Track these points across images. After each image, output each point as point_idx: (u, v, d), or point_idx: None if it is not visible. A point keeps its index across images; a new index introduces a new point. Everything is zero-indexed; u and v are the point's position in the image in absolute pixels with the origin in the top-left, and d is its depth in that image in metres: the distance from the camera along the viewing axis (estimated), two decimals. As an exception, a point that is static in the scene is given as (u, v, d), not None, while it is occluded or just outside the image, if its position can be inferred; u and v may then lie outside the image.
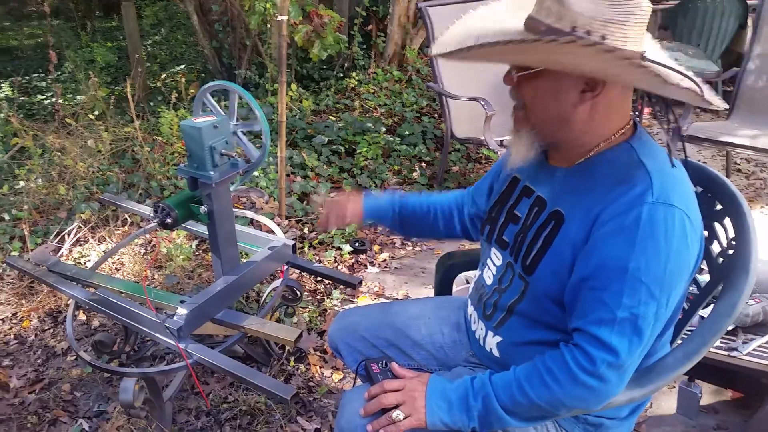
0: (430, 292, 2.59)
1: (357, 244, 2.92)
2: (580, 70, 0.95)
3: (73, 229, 2.71)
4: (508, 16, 1.01)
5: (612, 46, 0.87)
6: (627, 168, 1.02)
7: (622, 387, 1.02)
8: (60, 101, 4.33)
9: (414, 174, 3.73)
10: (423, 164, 3.88)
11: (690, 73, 0.94)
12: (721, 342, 1.86)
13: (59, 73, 6.55)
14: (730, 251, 1.20)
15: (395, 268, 2.85)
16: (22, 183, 3.15)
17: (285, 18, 2.68)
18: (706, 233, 1.28)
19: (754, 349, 1.82)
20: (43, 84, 6.88)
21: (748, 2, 4.65)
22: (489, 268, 1.24)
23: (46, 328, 2.32)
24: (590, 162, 1.08)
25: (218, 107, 1.74)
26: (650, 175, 0.99)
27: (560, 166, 1.13)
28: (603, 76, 0.97)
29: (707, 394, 1.98)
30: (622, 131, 1.07)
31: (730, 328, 1.88)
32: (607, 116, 1.05)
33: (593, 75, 0.97)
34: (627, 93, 1.06)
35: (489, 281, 1.23)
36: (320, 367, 2.11)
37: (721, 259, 1.23)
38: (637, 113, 1.15)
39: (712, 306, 1.18)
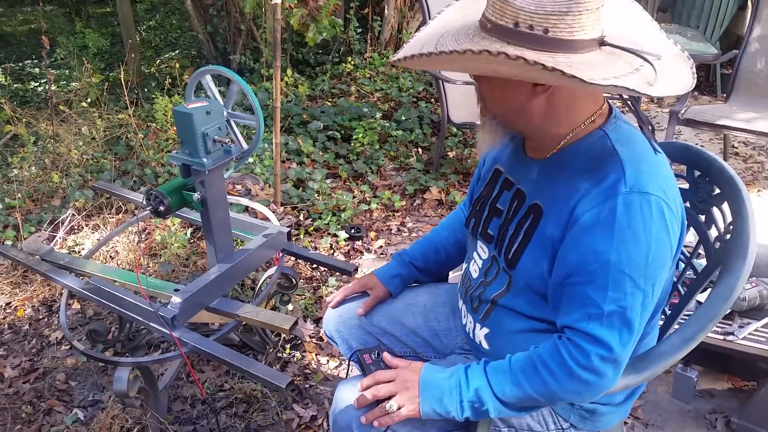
0: (426, 278, 2.58)
1: (353, 231, 2.91)
2: (506, 75, 0.96)
3: (67, 217, 2.69)
4: (475, 10, 1.00)
5: (516, 54, 0.86)
6: (600, 157, 1.01)
7: (617, 379, 1.02)
8: (53, 88, 4.29)
9: (410, 159, 3.70)
10: (419, 150, 3.86)
11: (643, 63, 0.92)
12: (717, 326, 1.86)
13: (52, 59, 6.49)
14: (728, 236, 1.19)
15: (391, 254, 2.84)
16: (15, 171, 3.13)
17: (279, 1, 2.64)
18: (703, 217, 1.27)
19: (750, 334, 1.81)
20: (37, 71, 6.83)
21: (748, -16, 4.61)
22: (475, 262, 1.23)
23: (41, 317, 2.31)
24: (564, 152, 1.06)
25: (215, 91, 1.71)
26: (623, 164, 0.98)
27: (536, 158, 1.12)
28: (527, 79, 0.97)
29: (703, 378, 1.98)
30: (593, 118, 1.05)
31: (726, 313, 1.88)
32: (572, 105, 1.03)
33: (516, 79, 0.97)
34: None
35: (475, 274, 1.22)
36: (316, 354, 2.11)
37: (718, 244, 1.22)
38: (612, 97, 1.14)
39: (708, 291, 1.18)
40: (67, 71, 6.24)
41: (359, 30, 5.10)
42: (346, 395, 1.18)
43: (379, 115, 4.06)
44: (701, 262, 1.29)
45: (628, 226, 0.94)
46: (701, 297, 1.35)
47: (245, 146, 1.71)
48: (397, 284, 1.43)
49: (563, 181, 1.04)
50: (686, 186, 1.30)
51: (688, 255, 1.34)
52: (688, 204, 1.30)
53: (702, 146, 1.30)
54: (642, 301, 0.97)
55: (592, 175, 1.00)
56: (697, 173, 1.28)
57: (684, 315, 1.31)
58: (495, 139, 1.11)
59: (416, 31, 1.08)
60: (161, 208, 1.65)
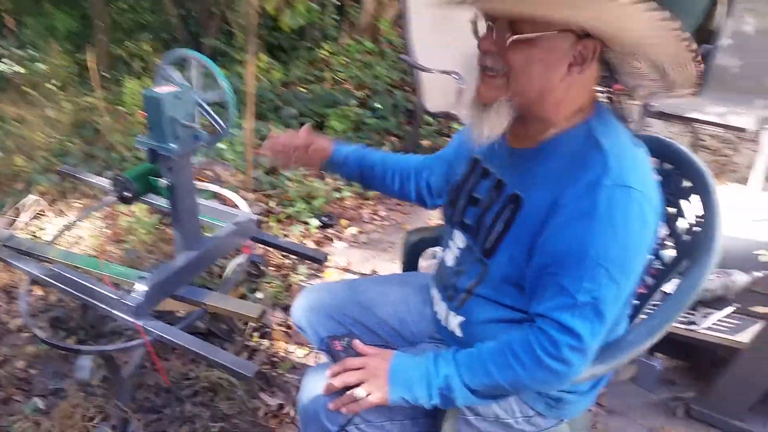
0: (397, 267, 2.57)
1: (325, 219, 2.88)
2: (621, 35, 0.92)
3: (30, 201, 2.62)
4: None
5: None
6: (583, 150, 1.00)
7: (584, 369, 1.03)
8: (20, 70, 4.16)
9: (384, 148, 3.68)
10: (394, 138, 3.84)
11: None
12: (681, 316, 1.89)
13: (19, 40, 6.30)
14: (697, 228, 1.20)
15: (363, 242, 2.83)
16: (-24, 153, 3.02)
17: (252, -15, 2.60)
18: (674, 210, 1.28)
19: (713, 324, 1.85)
20: (1, 51, 6.62)
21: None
22: (451, 250, 1.22)
23: (0, 303, 2.24)
24: (549, 143, 1.05)
25: (179, 76, 1.66)
26: (607, 157, 0.97)
27: (519, 147, 1.10)
28: (635, 47, 0.94)
29: (665, 366, 2.02)
30: (582, 111, 1.04)
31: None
32: (578, 94, 1.02)
33: (626, 44, 0.94)
34: (597, 71, 1.03)
35: (450, 263, 1.22)
36: (285, 342, 2.09)
37: (687, 236, 1.23)
38: (605, 90, 1.13)
39: (675, 282, 1.19)
40: (34, 52, 6.06)
41: (336, 16, 5.04)
42: (314, 382, 1.16)
43: (353, 102, 4.03)
44: (668, 253, 1.30)
45: (608, 219, 0.94)
46: (668, 288, 1.37)
47: (225, 127, 1.66)
48: (339, 153, 1.44)
49: (546, 172, 1.03)
50: (657, 178, 1.30)
51: (657, 246, 1.35)
52: (657, 196, 1.31)
53: (671, 139, 1.31)
54: (616, 293, 0.97)
55: (576, 167, 0.99)
56: (667, 166, 1.29)
57: (650, 306, 1.33)
58: (502, 124, 1.03)
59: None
60: (127, 193, 1.61)
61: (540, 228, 1.00)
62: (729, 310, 1.89)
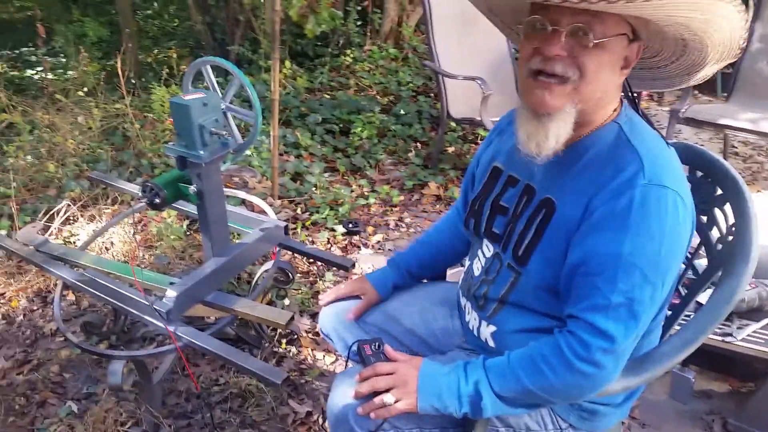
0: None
1: (350, 225, 2.89)
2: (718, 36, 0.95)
3: (62, 207, 2.67)
4: None
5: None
6: (616, 149, 1.00)
7: (617, 373, 1.01)
8: (50, 76, 4.25)
9: (409, 154, 3.69)
10: (418, 144, 3.84)
11: None
12: (716, 328, 1.85)
13: (50, 47, 6.43)
14: (730, 237, 1.18)
15: (389, 249, 2.83)
16: (11, 160, 3.09)
17: (278, -7, 2.62)
18: (705, 219, 1.26)
19: (748, 335, 1.81)
20: (33, 58, 6.77)
21: (750, -18, 4.59)
22: (479, 259, 1.21)
23: (35, 308, 2.29)
24: (579, 144, 1.04)
25: (214, 82, 1.69)
26: (640, 157, 0.97)
27: None
28: (692, 32, 0.96)
29: (701, 379, 1.98)
30: (615, 111, 1.05)
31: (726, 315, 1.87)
32: (615, 96, 1.04)
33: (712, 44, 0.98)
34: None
35: (477, 272, 1.21)
36: (312, 350, 2.10)
37: (720, 246, 1.21)
38: (632, 94, 1.13)
39: (709, 291, 1.17)
40: (64, 59, 6.19)
41: (359, 22, 5.06)
42: (344, 387, 1.16)
43: (378, 109, 4.04)
44: (702, 263, 1.28)
45: (643, 219, 0.93)
46: (702, 298, 1.34)
47: (240, 140, 1.69)
48: (390, 290, 1.42)
49: (578, 174, 1.02)
50: (689, 187, 1.29)
51: (689, 255, 1.33)
52: (690, 204, 1.29)
53: (702, 146, 1.29)
54: (651, 294, 0.96)
55: (610, 166, 0.98)
56: (699, 174, 1.27)
57: (684, 316, 1.30)
58: (568, 132, 0.99)
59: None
60: (157, 200, 1.63)
61: (575, 229, 0.99)
62: (765, 321, 1.85)
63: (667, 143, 1.04)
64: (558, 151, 1.02)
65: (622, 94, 1.09)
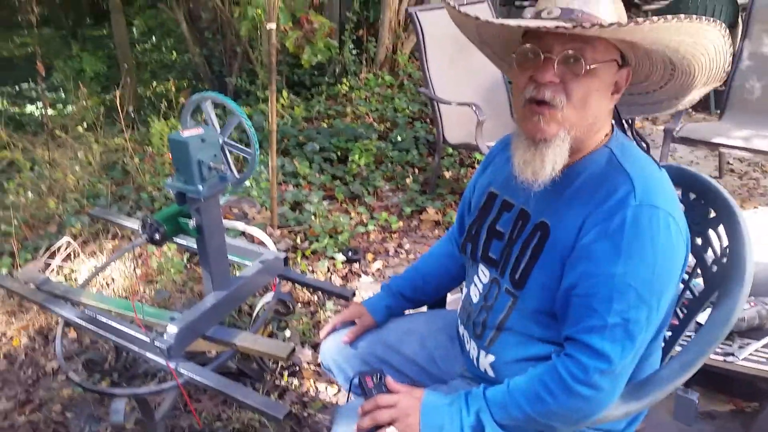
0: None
1: (350, 253, 2.90)
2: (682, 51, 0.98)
3: (63, 244, 2.68)
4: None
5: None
6: (608, 173, 1.03)
7: (616, 394, 1.02)
8: (50, 112, 4.30)
9: (407, 180, 3.71)
10: (416, 170, 3.87)
11: None
12: (717, 347, 1.85)
13: (49, 83, 6.51)
14: (725, 259, 1.19)
15: (389, 276, 2.83)
16: (11, 197, 3.12)
17: (274, 26, 2.66)
18: (700, 240, 1.27)
19: (750, 354, 1.81)
20: (33, 94, 6.85)
21: (739, 1, 4.66)
22: (475, 285, 1.23)
23: (36, 346, 2.28)
24: (572, 169, 1.06)
25: (214, 119, 1.71)
26: (631, 179, 0.99)
27: None
28: (680, 56, 1.00)
29: (704, 399, 1.97)
30: (606, 135, 1.08)
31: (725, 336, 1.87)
32: (606, 121, 1.07)
33: (675, 58, 1.01)
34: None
35: (475, 299, 1.22)
36: (314, 381, 2.09)
37: (715, 267, 1.22)
38: (628, 121, 1.15)
39: (708, 311, 1.17)
40: (63, 95, 6.26)
41: (354, 51, 5.13)
42: (346, 420, 1.17)
43: (374, 135, 4.08)
44: (699, 281, 1.29)
45: (635, 239, 0.95)
46: (702, 318, 1.35)
47: (237, 175, 1.70)
48: (385, 314, 1.43)
49: (571, 197, 1.04)
50: (682, 209, 1.30)
51: (686, 277, 1.33)
52: (684, 226, 1.30)
53: (697, 163, 1.32)
54: (647, 315, 0.97)
55: (602, 189, 1.01)
56: (692, 196, 1.29)
57: (684, 337, 1.31)
58: (564, 157, 1.01)
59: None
60: (157, 236, 1.64)
61: (569, 252, 1.01)
62: (766, 340, 1.85)
63: (659, 166, 1.07)
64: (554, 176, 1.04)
65: (613, 120, 1.12)
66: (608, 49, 0.98)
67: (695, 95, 1.13)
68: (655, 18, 0.88)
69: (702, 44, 0.96)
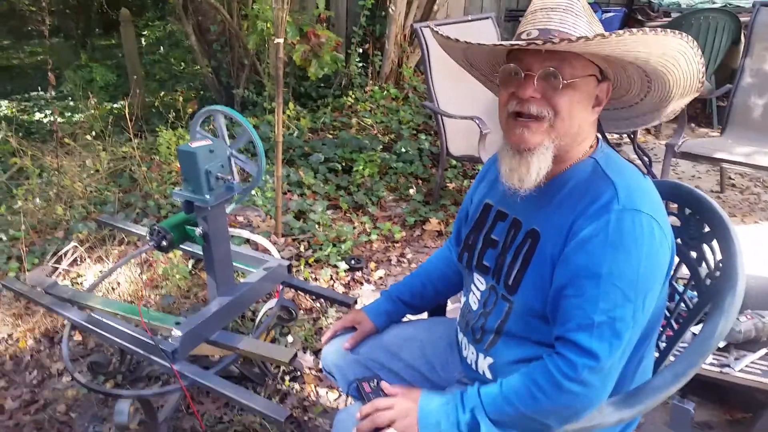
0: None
1: (353, 262, 2.93)
2: (644, 58, 1.03)
3: (70, 249, 2.72)
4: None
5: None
6: (592, 180, 1.09)
7: (606, 391, 1.06)
8: (59, 119, 4.36)
9: (410, 191, 3.75)
10: (419, 181, 3.91)
11: None
12: (713, 358, 1.87)
13: (59, 92, 6.60)
14: (717, 273, 1.22)
15: (391, 285, 2.86)
16: (20, 203, 3.16)
17: (281, 40, 2.71)
18: (694, 254, 1.30)
19: (746, 366, 1.83)
20: (43, 102, 6.93)
21: (741, 19, 4.70)
22: (473, 294, 1.26)
23: (42, 348, 2.32)
24: (558, 179, 1.12)
25: (225, 131, 1.75)
26: (615, 185, 1.05)
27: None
28: (652, 68, 1.05)
29: (700, 410, 1.99)
30: (591, 146, 1.14)
31: (722, 345, 1.89)
32: (590, 133, 1.13)
33: (647, 67, 1.05)
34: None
35: (475, 306, 1.25)
36: (315, 386, 2.12)
37: (709, 281, 1.25)
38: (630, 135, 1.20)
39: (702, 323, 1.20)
40: (72, 103, 6.33)
41: (360, 64, 5.19)
42: (345, 424, 1.20)
43: (379, 147, 4.12)
44: (693, 293, 1.32)
45: (620, 241, 1.00)
46: (697, 329, 1.37)
47: (241, 186, 1.74)
48: (384, 320, 1.46)
49: (559, 204, 1.10)
50: (678, 223, 1.33)
51: (681, 289, 1.36)
52: (679, 240, 1.34)
53: (699, 178, 1.35)
54: (633, 314, 1.01)
55: (587, 196, 1.06)
56: (687, 211, 1.32)
57: (679, 347, 1.33)
58: (548, 165, 1.08)
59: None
60: (164, 243, 1.69)
61: (558, 256, 1.06)
62: (762, 352, 1.87)
63: (644, 174, 1.12)
64: (540, 184, 1.10)
65: (598, 134, 1.18)
66: (585, 64, 1.05)
67: (675, 106, 1.19)
68: (620, 31, 0.94)
69: (671, 56, 1.02)
